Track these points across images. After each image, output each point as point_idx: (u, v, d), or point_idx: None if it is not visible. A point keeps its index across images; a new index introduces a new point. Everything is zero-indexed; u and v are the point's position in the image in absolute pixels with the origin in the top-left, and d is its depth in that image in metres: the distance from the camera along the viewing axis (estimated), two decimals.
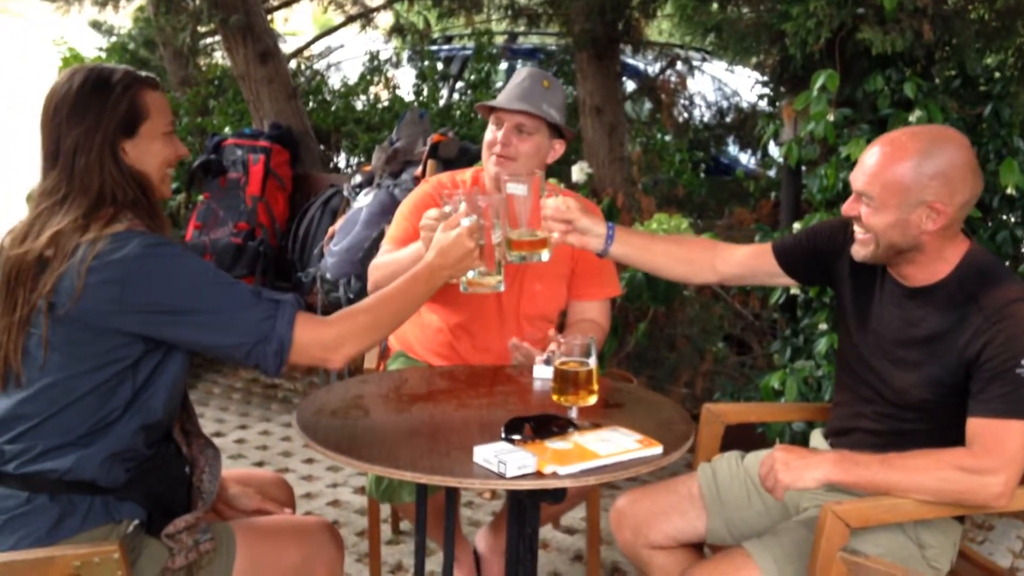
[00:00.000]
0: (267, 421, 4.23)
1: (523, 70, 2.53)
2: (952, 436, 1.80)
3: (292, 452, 3.87)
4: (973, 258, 1.88)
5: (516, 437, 1.72)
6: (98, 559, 1.57)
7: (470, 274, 1.92)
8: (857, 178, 1.87)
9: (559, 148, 2.51)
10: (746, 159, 5.33)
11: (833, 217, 2.48)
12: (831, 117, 2.87)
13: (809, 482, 1.78)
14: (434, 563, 2.74)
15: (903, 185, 1.80)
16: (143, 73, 1.75)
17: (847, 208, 1.91)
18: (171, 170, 1.78)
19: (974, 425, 1.77)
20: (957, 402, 1.82)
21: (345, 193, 4.35)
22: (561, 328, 2.59)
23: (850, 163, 2.95)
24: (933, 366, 1.86)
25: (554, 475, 1.64)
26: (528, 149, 2.42)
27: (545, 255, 2.02)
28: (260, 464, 3.76)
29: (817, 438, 2.18)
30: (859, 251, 1.92)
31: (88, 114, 1.65)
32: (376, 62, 5.74)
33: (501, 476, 1.62)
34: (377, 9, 5.76)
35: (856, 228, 1.91)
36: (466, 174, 2.60)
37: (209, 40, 5.87)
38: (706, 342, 3.97)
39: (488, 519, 3.21)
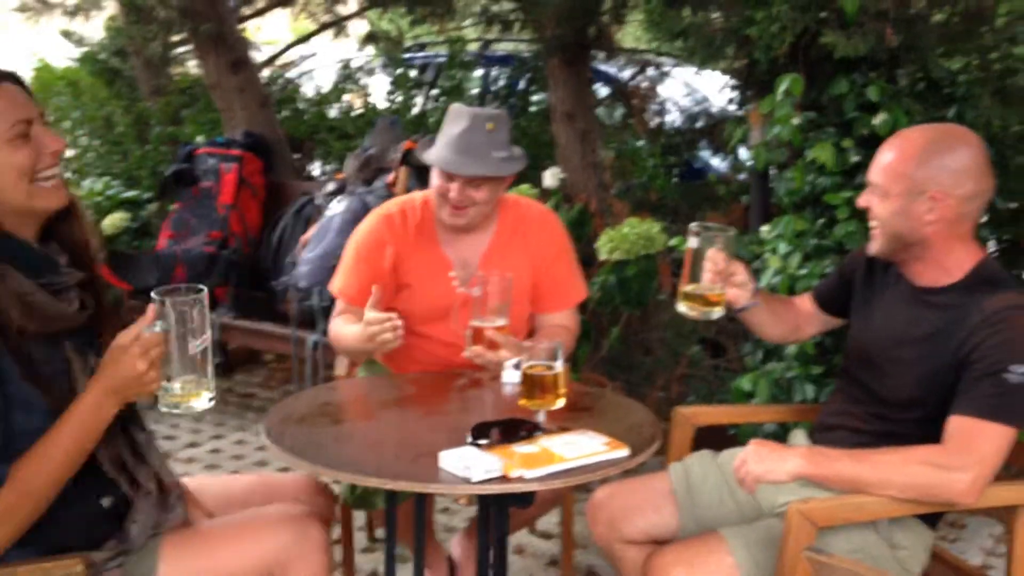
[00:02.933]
0: (243, 431, 4.21)
1: (459, 113, 2.35)
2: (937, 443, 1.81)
3: (267, 461, 3.85)
4: (984, 268, 1.92)
5: (483, 441, 1.73)
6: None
7: (175, 387, 1.55)
8: (871, 171, 1.95)
9: (507, 181, 2.43)
10: (718, 163, 5.36)
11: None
12: (796, 121, 2.90)
13: (780, 475, 1.82)
14: (407, 571, 2.73)
15: (906, 174, 1.87)
16: None
17: (860, 200, 1.99)
18: (50, 172, 1.56)
19: (953, 423, 1.79)
20: (946, 406, 1.83)
21: (318, 201, 4.34)
22: (531, 334, 2.59)
23: (816, 166, 2.98)
24: (927, 364, 1.89)
25: (520, 479, 1.65)
26: (483, 196, 2.34)
27: (717, 312, 2.00)
28: (235, 472, 3.74)
29: (799, 437, 2.19)
30: (871, 245, 1.98)
31: None
32: (349, 70, 5.74)
33: (467, 481, 1.62)
34: (350, 17, 5.76)
35: (871, 223, 1.98)
36: (416, 200, 2.51)
37: (181, 49, 5.85)
38: (681, 346, 3.98)
39: (464, 525, 3.21)
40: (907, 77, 3.09)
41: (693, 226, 1.99)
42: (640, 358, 4.01)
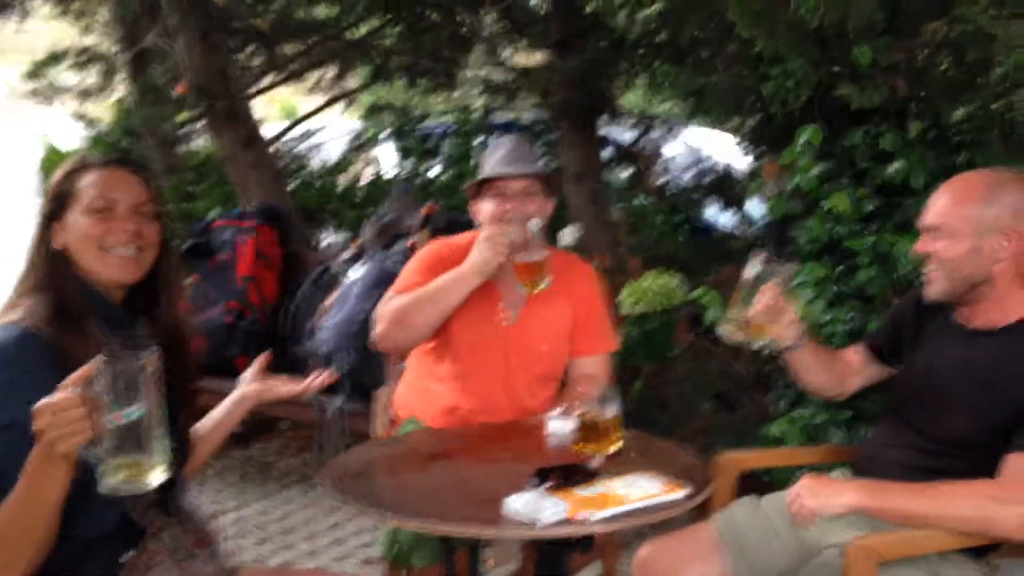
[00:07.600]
0: (265, 498, 4.18)
1: (501, 141, 2.60)
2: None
3: (293, 528, 3.82)
4: None
5: (547, 484, 1.74)
6: None
7: (98, 458, 1.32)
8: (929, 216, 1.98)
9: (550, 205, 2.57)
10: (724, 219, 5.45)
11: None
12: (816, 171, 2.98)
13: (835, 508, 1.83)
14: None
15: (973, 214, 1.91)
16: (103, 155, 1.73)
17: (920, 246, 2.00)
18: (121, 248, 1.64)
19: (1011, 460, 1.81)
20: (1000, 446, 1.84)
21: (333, 269, 4.38)
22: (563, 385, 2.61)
23: (833, 215, 3.04)
24: (982, 404, 1.91)
25: (585, 521, 1.66)
26: (536, 209, 2.47)
27: (761, 342, 2.07)
28: (262, 542, 3.71)
29: (837, 476, 2.20)
30: (932, 289, 2.00)
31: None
32: (357, 141, 5.86)
33: (534, 524, 1.63)
34: (357, 90, 5.90)
35: (928, 268, 2.00)
36: (462, 239, 2.60)
37: (187, 128, 5.96)
38: (698, 401, 3.99)
39: None
40: (917, 126, 3.18)
41: (758, 252, 2.02)
42: (656, 414, 4.01)
